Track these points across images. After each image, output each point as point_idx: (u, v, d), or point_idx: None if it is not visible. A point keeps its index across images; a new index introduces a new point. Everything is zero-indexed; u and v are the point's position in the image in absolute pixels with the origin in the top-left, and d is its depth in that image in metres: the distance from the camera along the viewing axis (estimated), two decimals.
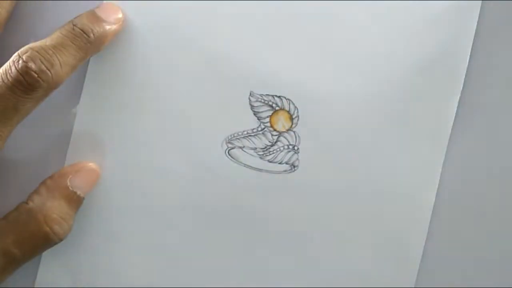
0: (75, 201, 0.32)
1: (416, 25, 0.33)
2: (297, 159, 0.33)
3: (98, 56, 0.33)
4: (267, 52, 0.33)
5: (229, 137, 0.33)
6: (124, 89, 0.33)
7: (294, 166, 0.33)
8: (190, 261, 0.34)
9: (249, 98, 0.33)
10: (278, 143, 0.33)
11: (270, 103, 0.33)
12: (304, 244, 0.33)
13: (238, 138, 0.33)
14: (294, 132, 0.33)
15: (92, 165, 0.33)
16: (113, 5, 0.32)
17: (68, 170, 0.32)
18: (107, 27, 0.31)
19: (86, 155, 0.33)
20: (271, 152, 0.33)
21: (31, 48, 0.29)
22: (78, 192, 0.32)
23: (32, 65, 0.29)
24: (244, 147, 0.33)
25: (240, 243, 0.34)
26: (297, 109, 0.33)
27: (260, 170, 0.33)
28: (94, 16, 0.31)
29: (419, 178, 0.33)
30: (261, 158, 0.33)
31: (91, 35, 0.31)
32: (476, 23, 0.33)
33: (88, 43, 0.31)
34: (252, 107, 0.33)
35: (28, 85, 0.29)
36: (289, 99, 0.33)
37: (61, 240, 0.31)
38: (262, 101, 0.33)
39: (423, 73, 0.33)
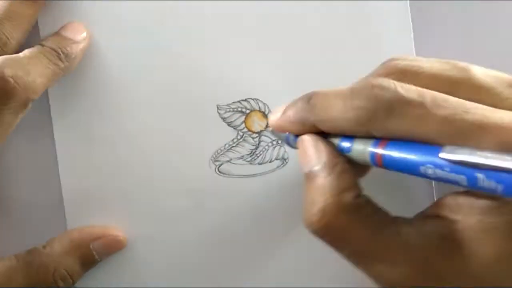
0: (91, 263, 0.32)
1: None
2: (285, 151, 0.33)
3: (59, 85, 0.33)
4: (222, 62, 0.33)
5: (214, 156, 0.33)
6: (94, 121, 0.33)
7: (284, 159, 0.33)
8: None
9: (217, 112, 0.33)
10: (262, 143, 0.33)
11: (239, 109, 0.33)
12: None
13: (222, 153, 0.33)
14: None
15: (121, 235, 0.33)
16: (77, 24, 0.33)
17: (97, 232, 0.32)
18: (74, 45, 0.32)
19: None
20: (258, 155, 0.33)
21: (5, 57, 0.30)
22: (97, 257, 0.32)
23: (8, 70, 0.29)
24: (231, 159, 0.33)
25: (253, 253, 0.33)
26: (266, 105, 0.33)
27: (254, 175, 0.33)
28: (60, 37, 0.32)
29: None
30: (251, 163, 0.33)
31: (61, 53, 0.31)
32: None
33: (59, 59, 0.31)
34: (223, 119, 0.33)
35: (4, 93, 0.29)
36: (255, 99, 0.33)
37: None
38: (231, 110, 0.33)
39: None
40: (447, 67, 0.26)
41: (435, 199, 0.32)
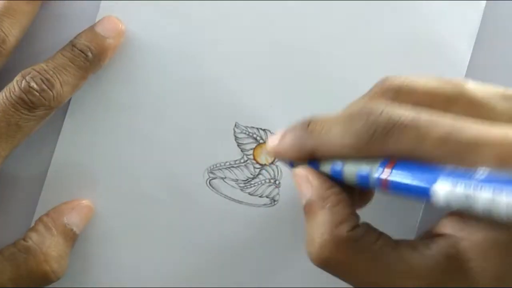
0: (71, 238, 0.32)
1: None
2: (278, 193, 0.33)
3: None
4: (255, 85, 0.33)
5: (212, 167, 0.33)
6: (109, 113, 0.33)
7: (274, 201, 0.33)
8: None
9: (234, 129, 0.33)
10: (260, 176, 0.33)
11: (255, 135, 0.33)
12: (280, 277, 0.33)
13: (220, 169, 0.33)
14: (276, 166, 0.33)
15: (86, 202, 0.33)
16: (112, 19, 0.33)
17: (64, 208, 0.33)
18: (106, 42, 0.32)
19: (66, 183, 0.33)
20: (252, 185, 0.33)
21: (33, 69, 0.30)
22: (74, 229, 0.32)
23: (34, 84, 0.30)
24: (225, 178, 0.33)
25: (215, 273, 0.33)
26: None
27: (240, 202, 0.33)
28: (92, 33, 0.32)
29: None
30: (242, 190, 0.33)
31: (89, 54, 0.31)
32: (479, 23, 0.33)
33: (87, 62, 0.32)
34: (236, 138, 0.33)
35: (30, 103, 0.30)
36: (273, 133, 0.33)
37: (58, 279, 0.31)
38: (247, 133, 0.33)
39: None
40: (441, 84, 0.26)
41: (421, 215, 0.33)
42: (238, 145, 0.33)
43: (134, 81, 0.33)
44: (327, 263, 0.25)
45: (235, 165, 0.33)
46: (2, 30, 0.31)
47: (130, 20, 0.33)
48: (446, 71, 0.33)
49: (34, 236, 0.31)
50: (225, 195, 0.33)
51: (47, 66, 0.31)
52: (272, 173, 0.33)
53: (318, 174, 0.27)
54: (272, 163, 0.33)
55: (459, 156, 0.23)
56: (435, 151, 0.23)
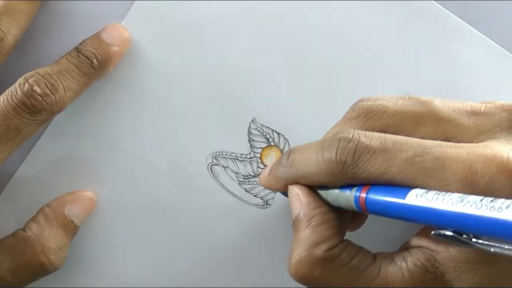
0: (72, 230, 0.32)
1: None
2: (273, 198, 0.33)
3: None
4: (281, 86, 0.33)
5: (217, 153, 0.33)
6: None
7: (267, 204, 0.33)
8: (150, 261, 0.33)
9: (249, 124, 0.33)
10: None
11: (268, 136, 0.33)
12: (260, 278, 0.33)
13: (224, 157, 0.33)
14: None
15: (89, 194, 0.33)
16: (118, 26, 0.33)
17: (66, 199, 0.33)
18: (112, 50, 0.32)
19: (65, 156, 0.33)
20: (250, 182, 0.33)
21: (37, 73, 0.30)
22: (75, 221, 0.32)
23: (37, 88, 0.29)
24: (227, 167, 0.33)
25: (201, 263, 0.33)
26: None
27: (233, 195, 0.33)
28: (98, 40, 0.32)
29: None
30: (239, 184, 0.33)
31: (95, 61, 0.31)
32: None
33: (92, 69, 0.31)
34: (249, 133, 0.33)
35: (32, 107, 0.29)
36: (286, 139, 0.33)
37: (56, 270, 0.31)
38: (261, 131, 0.33)
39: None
40: (410, 103, 0.27)
41: None
42: (249, 141, 0.33)
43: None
44: (304, 280, 0.26)
45: (240, 158, 0.33)
46: (0, 29, 0.31)
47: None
48: None
49: (34, 226, 0.31)
50: (222, 184, 0.33)
51: (51, 70, 0.30)
52: None
53: (309, 193, 0.28)
54: None
55: (425, 177, 0.24)
56: (404, 172, 0.24)
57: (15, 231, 0.32)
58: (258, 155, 0.33)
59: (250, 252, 0.33)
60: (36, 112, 0.30)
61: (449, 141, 0.25)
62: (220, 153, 0.33)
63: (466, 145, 0.25)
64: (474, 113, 0.27)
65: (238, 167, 0.33)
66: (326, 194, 0.27)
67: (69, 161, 0.33)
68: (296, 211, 0.28)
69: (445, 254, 0.25)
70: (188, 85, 0.33)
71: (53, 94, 0.30)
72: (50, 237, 0.31)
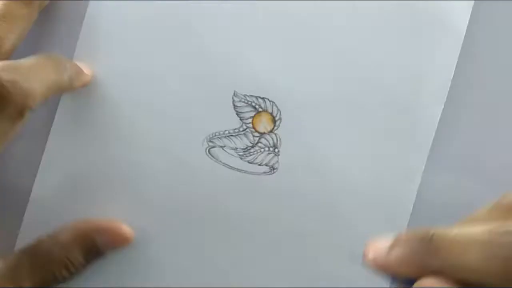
0: (94, 256, 0.32)
1: (403, 30, 0.33)
2: (277, 161, 0.33)
3: None
4: (253, 52, 0.33)
5: (211, 136, 0.33)
6: (106, 80, 0.34)
7: (273, 169, 0.33)
8: (161, 257, 0.33)
9: (232, 98, 0.33)
10: (259, 144, 0.33)
11: (253, 104, 0.33)
12: (278, 246, 0.33)
13: (219, 137, 0.33)
14: (275, 134, 0.33)
15: (128, 231, 0.32)
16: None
17: (103, 225, 0.32)
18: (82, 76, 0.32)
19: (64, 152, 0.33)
20: (251, 153, 0.33)
21: (5, 63, 0.29)
22: (103, 250, 0.32)
23: (4, 74, 0.27)
24: (225, 146, 0.33)
25: (216, 243, 0.33)
26: (280, 111, 0.33)
27: (239, 170, 0.33)
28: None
29: (399, 184, 0.32)
30: (241, 158, 0.33)
31: (67, 64, 0.31)
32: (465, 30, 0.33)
33: (64, 69, 0.31)
34: (235, 107, 0.33)
35: (1, 98, 0.27)
36: (272, 101, 0.33)
37: (64, 283, 0.31)
38: (246, 101, 0.33)
39: (409, 81, 0.33)
40: None
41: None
42: (237, 114, 0.33)
43: (130, 53, 0.34)
44: None
45: (234, 134, 0.33)
46: None
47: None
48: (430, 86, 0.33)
49: (60, 236, 0.31)
50: (224, 164, 0.33)
51: (19, 61, 0.29)
52: (271, 141, 0.33)
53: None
54: (271, 131, 0.33)
55: None
56: None
57: (40, 238, 0.31)
58: (250, 125, 0.33)
59: (271, 221, 0.33)
60: (4, 103, 0.27)
61: None
62: (214, 135, 0.33)
63: None
64: None
65: (234, 142, 0.33)
66: None
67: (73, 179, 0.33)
68: None
69: None
70: (164, 80, 0.33)
71: (22, 83, 0.28)
72: (68, 254, 0.31)
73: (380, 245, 0.27)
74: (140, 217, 0.33)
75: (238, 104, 0.33)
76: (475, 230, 0.25)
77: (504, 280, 0.23)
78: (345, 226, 0.32)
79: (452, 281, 0.25)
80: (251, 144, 0.33)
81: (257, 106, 0.33)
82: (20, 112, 0.28)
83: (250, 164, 0.33)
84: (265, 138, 0.33)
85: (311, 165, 0.33)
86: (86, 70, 0.33)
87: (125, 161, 0.33)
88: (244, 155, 0.33)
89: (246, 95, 0.33)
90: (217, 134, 0.33)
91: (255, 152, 0.33)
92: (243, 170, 0.33)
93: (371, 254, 0.27)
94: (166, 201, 0.33)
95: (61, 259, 0.31)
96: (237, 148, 0.33)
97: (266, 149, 0.33)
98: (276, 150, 0.33)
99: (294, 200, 0.33)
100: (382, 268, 0.27)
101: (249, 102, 0.33)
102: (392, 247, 0.26)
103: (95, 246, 0.32)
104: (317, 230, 0.33)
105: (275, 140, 0.33)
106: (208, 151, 0.33)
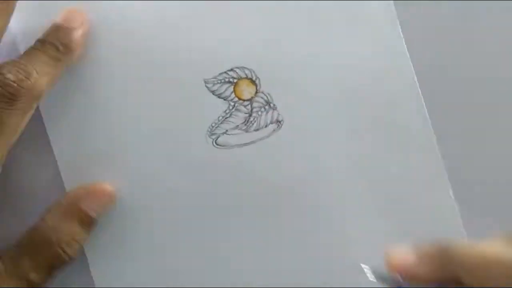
0: (88, 223, 0.32)
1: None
2: (278, 113, 0.33)
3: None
4: (203, 33, 0.33)
5: (209, 129, 0.33)
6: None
7: (279, 122, 0.33)
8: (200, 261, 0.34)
9: (205, 86, 0.33)
10: (254, 109, 0.33)
11: (226, 79, 0.33)
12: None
13: (217, 126, 0.33)
14: (262, 92, 0.33)
15: (107, 187, 0.33)
16: (73, 10, 0.32)
17: (83, 191, 0.33)
18: (73, 33, 0.32)
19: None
20: (253, 122, 0.33)
21: (6, 63, 0.30)
22: (92, 214, 0.32)
23: (10, 76, 0.29)
24: (227, 131, 0.33)
25: (256, 224, 0.34)
26: (253, 71, 0.33)
27: (252, 142, 0.33)
28: (57, 28, 0.32)
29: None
30: (247, 131, 0.34)
31: (60, 46, 0.31)
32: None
33: (59, 53, 0.31)
34: (213, 92, 0.33)
35: (10, 95, 0.29)
36: (241, 67, 0.33)
37: (72, 259, 0.32)
38: (218, 82, 0.33)
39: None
40: None
41: None
42: (218, 97, 0.33)
43: (95, 69, 0.33)
44: None
45: (227, 115, 0.33)
46: None
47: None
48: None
49: (49, 219, 0.32)
50: (236, 145, 0.33)
51: (19, 59, 0.30)
52: (262, 100, 0.33)
53: None
54: (256, 92, 0.33)
55: None
56: None
57: (31, 227, 0.32)
58: (236, 99, 0.33)
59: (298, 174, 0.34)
60: (14, 99, 0.29)
61: None
62: (211, 127, 0.33)
63: None
64: None
65: (232, 122, 0.33)
66: None
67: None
68: None
69: None
70: (138, 93, 0.33)
71: (28, 78, 0.30)
72: (64, 230, 0.32)
73: (403, 252, 0.27)
74: (164, 221, 0.34)
75: (214, 88, 0.33)
76: (499, 249, 0.25)
77: None
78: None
79: None
80: (247, 114, 0.33)
81: (231, 80, 0.33)
82: (30, 105, 0.30)
83: (258, 131, 0.33)
84: (256, 101, 0.33)
85: (308, 104, 0.33)
86: (78, 19, 0.32)
87: (135, 174, 0.33)
88: (248, 127, 0.34)
89: (215, 76, 0.33)
90: (213, 125, 0.33)
91: (255, 119, 0.33)
92: (256, 140, 0.33)
93: (397, 261, 0.27)
94: (193, 212, 0.34)
95: (60, 238, 0.31)
96: (237, 125, 0.33)
97: (263, 109, 0.33)
98: (272, 104, 0.33)
99: (312, 142, 0.33)
100: (409, 276, 0.27)
101: (222, 80, 0.33)
102: (418, 257, 0.27)
103: (86, 214, 0.32)
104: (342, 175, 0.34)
105: (265, 98, 0.33)
106: (215, 143, 0.33)
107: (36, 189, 0.34)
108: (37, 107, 0.32)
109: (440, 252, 0.26)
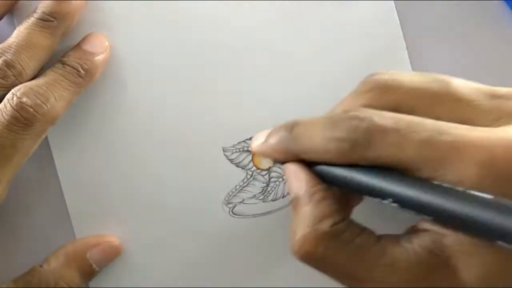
0: (89, 274, 0.32)
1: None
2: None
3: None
4: (221, 103, 0.33)
5: (226, 198, 0.33)
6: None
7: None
8: None
9: (224, 155, 0.33)
10: (272, 179, 0.33)
11: (245, 148, 0.33)
12: None
13: (234, 195, 0.33)
14: None
15: (115, 241, 0.33)
16: (98, 35, 0.33)
17: (91, 241, 0.33)
18: (96, 58, 0.32)
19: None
20: (270, 192, 0.33)
21: (25, 86, 0.30)
22: (95, 266, 0.32)
23: (27, 100, 0.29)
24: (243, 200, 0.33)
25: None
26: None
27: (269, 212, 0.33)
28: (80, 51, 0.32)
29: None
30: (264, 201, 0.33)
31: (81, 70, 0.31)
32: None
33: (80, 77, 0.31)
34: (231, 160, 0.33)
35: (25, 121, 0.29)
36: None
37: None
38: (237, 150, 0.33)
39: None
40: (427, 80, 0.26)
41: None
42: (236, 166, 0.33)
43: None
44: (307, 257, 0.25)
45: (245, 184, 0.33)
46: (19, 62, 0.30)
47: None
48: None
49: (52, 262, 0.32)
50: (253, 215, 0.33)
51: (38, 82, 0.30)
52: (280, 170, 0.33)
53: (307, 170, 0.26)
54: (274, 163, 0.33)
55: (440, 161, 0.22)
56: (416, 156, 0.23)
57: (30, 268, 0.32)
58: (254, 168, 0.33)
59: None
60: (29, 125, 0.29)
61: (465, 124, 0.24)
62: (228, 196, 0.33)
63: (484, 128, 0.23)
64: (494, 96, 0.25)
65: (250, 191, 0.33)
66: (324, 171, 0.26)
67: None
68: (295, 189, 0.26)
69: (453, 237, 0.23)
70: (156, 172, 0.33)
71: (45, 104, 0.29)
72: (65, 277, 0.31)
73: (259, 135, 0.28)
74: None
75: (232, 157, 0.33)
76: (327, 114, 0.26)
77: (340, 157, 0.24)
78: None
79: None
80: (265, 184, 0.33)
81: (249, 149, 0.33)
82: (44, 130, 0.30)
83: (276, 202, 0.33)
84: (273, 171, 0.33)
85: None
86: (102, 44, 0.32)
87: (148, 238, 0.33)
88: (265, 197, 0.33)
89: (234, 145, 0.33)
90: (230, 193, 0.33)
91: (272, 189, 0.33)
92: (272, 211, 0.33)
93: (253, 144, 0.29)
94: (205, 281, 0.33)
95: (58, 284, 0.31)
96: (255, 195, 0.33)
97: (280, 179, 0.33)
98: None
99: None
100: (262, 154, 0.29)
101: (240, 149, 0.33)
102: (268, 136, 0.28)
103: (88, 264, 0.32)
104: None
105: None
106: (232, 212, 0.33)
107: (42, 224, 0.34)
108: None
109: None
